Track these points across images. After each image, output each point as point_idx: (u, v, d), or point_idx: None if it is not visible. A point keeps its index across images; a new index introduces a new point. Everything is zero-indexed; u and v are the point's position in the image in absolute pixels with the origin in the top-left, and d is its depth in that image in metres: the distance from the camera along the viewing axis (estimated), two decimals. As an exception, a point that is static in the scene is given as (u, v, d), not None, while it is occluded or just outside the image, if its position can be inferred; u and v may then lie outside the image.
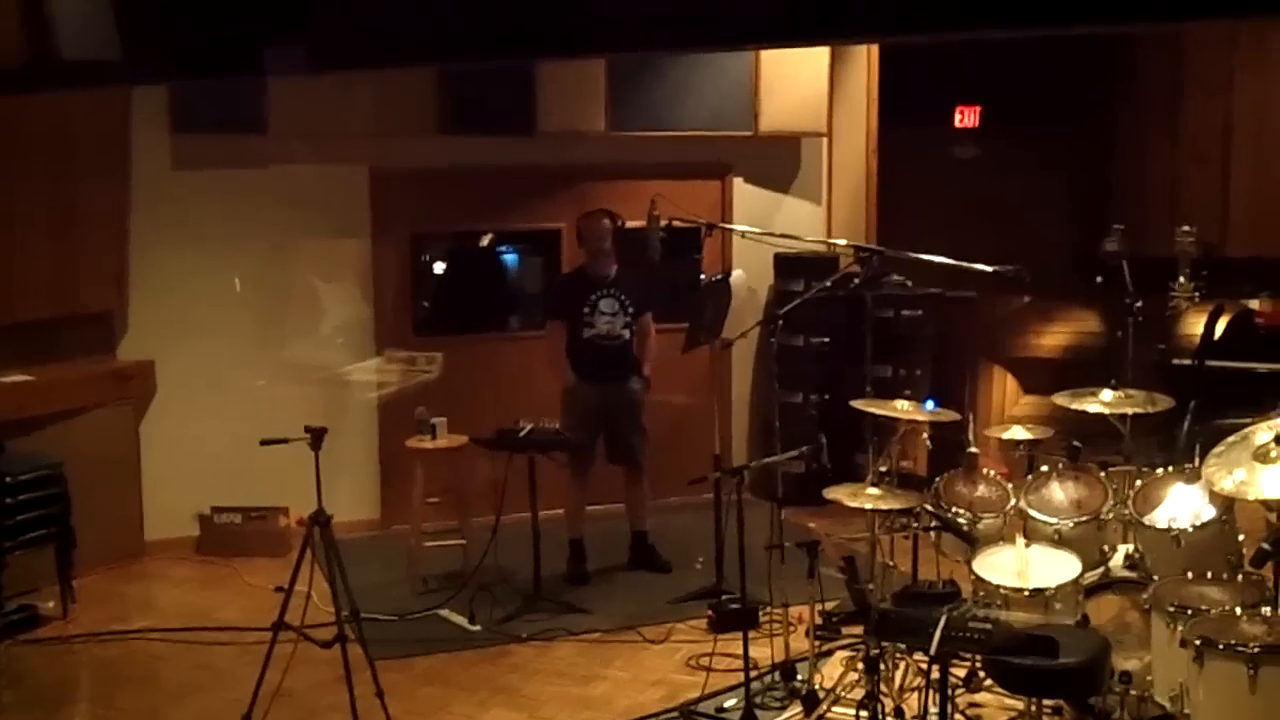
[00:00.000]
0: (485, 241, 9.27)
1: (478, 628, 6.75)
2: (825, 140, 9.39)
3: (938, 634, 4.02)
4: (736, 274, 7.37)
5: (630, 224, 7.44)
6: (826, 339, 8.92)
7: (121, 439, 7.95)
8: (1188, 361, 8.02)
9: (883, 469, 5.95)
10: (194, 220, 8.08)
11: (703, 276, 8.89)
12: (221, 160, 8.04)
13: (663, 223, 6.59)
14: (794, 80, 8.93)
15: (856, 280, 7.02)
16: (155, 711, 5.93)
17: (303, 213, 8.31)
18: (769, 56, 8.78)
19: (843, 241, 7.55)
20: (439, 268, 9.12)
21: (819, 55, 8.98)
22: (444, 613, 6.97)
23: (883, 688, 5.12)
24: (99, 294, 7.87)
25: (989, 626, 4.10)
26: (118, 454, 7.92)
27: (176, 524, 8.13)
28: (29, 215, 7.38)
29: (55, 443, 7.29)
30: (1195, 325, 8.18)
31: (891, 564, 6.05)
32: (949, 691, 4.47)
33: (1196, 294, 6.41)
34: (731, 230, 8.29)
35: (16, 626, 6.68)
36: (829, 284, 6.89)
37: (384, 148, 8.32)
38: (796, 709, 5.55)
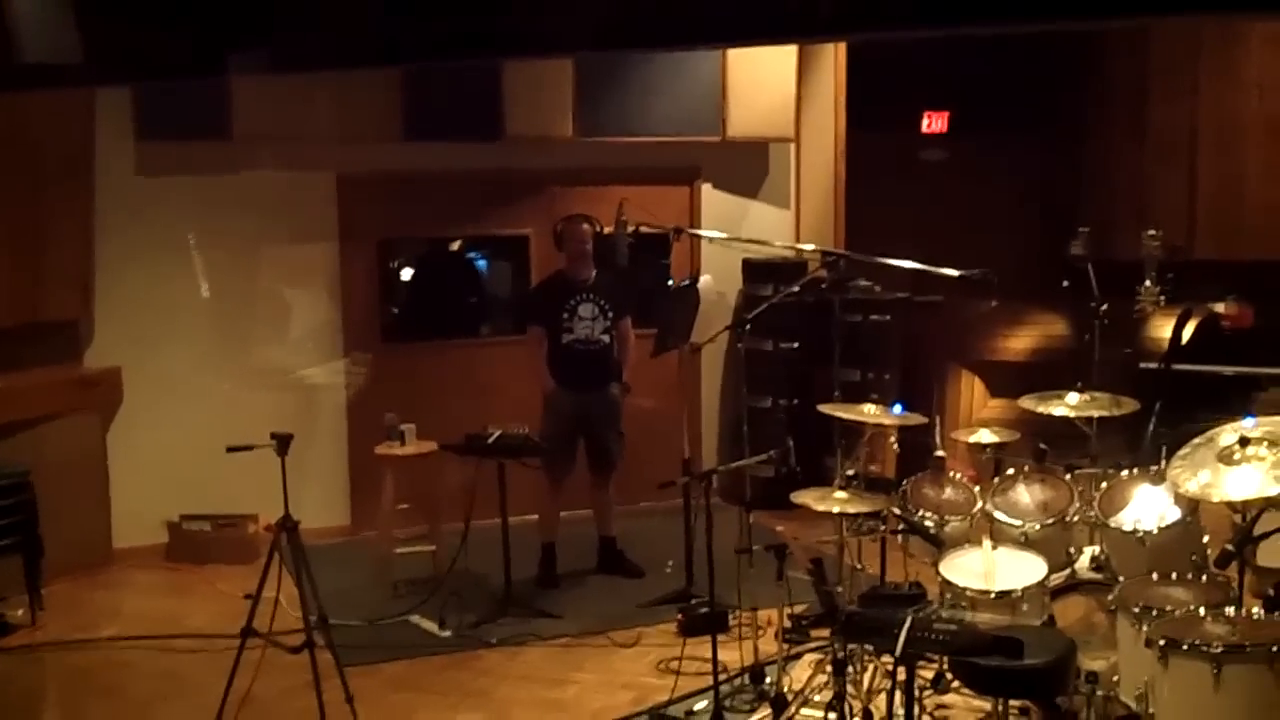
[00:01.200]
0: (454, 247, 9.25)
1: (448, 633, 6.74)
2: (793, 145, 9.40)
3: (902, 635, 4.03)
4: (705, 279, 7.39)
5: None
6: (795, 343, 8.93)
7: (89, 447, 7.91)
8: (1155, 365, 8.07)
9: (850, 472, 5.97)
10: (160, 227, 8.04)
11: (671, 281, 8.90)
12: (187, 166, 8.00)
13: (630, 227, 6.60)
14: (762, 85, 8.94)
15: (824, 285, 7.03)
16: (124, 718, 5.90)
17: (269, 219, 8.28)
18: (736, 61, 8.79)
19: (810, 246, 7.58)
20: (407, 273, 9.09)
21: (787, 60, 9.00)
22: (414, 618, 6.96)
23: (851, 690, 5.15)
24: (64, 301, 7.81)
25: (954, 628, 4.12)
26: (85, 462, 7.87)
27: (145, 531, 8.10)
28: (-8, 222, 7.34)
29: (21, 451, 7.26)
30: (1162, 328, 8.24)
31: (859, 567, 6.06)
32: (916, 693, 4.49)
33: (1162, 297, 6.43)
34: (699, 235, 8.31)
35: (-16, 635, 6.66)
36: (797, 288, 6.93)
37: (350, 153, 8.29)
38: (765, 711, 5.56)
